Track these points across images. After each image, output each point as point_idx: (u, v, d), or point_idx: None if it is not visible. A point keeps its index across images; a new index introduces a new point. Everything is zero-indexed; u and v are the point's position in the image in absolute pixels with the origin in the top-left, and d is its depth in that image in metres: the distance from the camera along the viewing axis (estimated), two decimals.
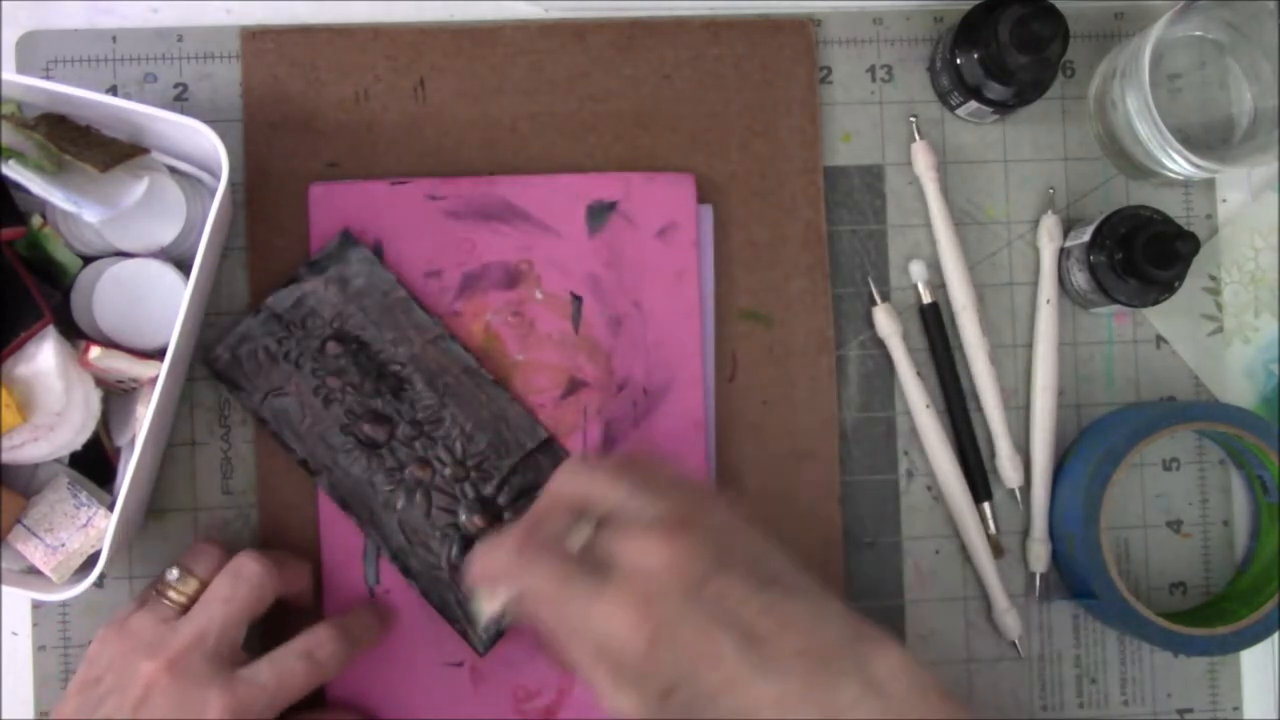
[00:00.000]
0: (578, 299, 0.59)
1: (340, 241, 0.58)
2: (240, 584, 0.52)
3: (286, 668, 0.51)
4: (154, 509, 0.58)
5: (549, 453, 0.58)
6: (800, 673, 0.45)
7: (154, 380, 0.50)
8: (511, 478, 0.57)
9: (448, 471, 0.57)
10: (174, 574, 0.53)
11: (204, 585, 0.53)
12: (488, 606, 0.52)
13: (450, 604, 0.57)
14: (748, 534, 0.48)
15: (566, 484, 0.50)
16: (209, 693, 0.50)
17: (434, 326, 0.58)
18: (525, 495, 0.57)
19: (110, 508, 0.52)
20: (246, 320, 0.57)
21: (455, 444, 0.57)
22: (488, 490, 0.57)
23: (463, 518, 0.57)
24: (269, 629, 0.55)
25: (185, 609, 0.52)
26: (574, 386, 0.59)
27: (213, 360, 0.57)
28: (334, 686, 0.57)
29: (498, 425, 0.58)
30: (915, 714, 0.46)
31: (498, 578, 0.50)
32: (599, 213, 0.59)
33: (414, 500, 0.57)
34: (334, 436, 0.57)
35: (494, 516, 0.57)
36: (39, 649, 0.58)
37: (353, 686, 0.57)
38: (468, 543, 0.57)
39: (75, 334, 0.54)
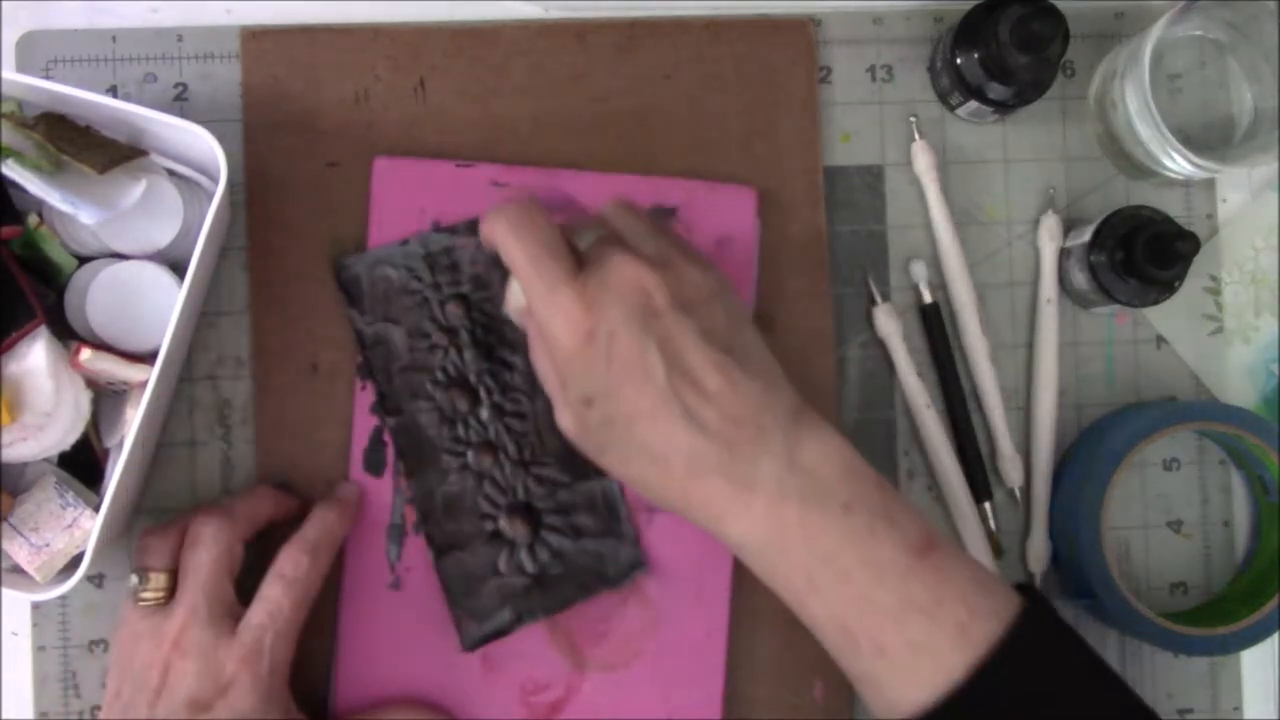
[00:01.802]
0: None
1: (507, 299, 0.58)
2: (203, 550, 0.52)
3: (271, 599, 0.52)
4: (154, 509, 0.58)
5: (607, 487, 0.58)
6: (726, 436, 0.46)
7: (144, 383, 0.50)
8: (562, 497, 0.58)
9: (508, 469, 0.57)
10: (134, 580, 0.53)
11: (171, 572, 0.53)
12: (511, 301, 0.54)
13: (456, 587, 0.57)
14: (729, 307, 0.49)
15: (602, 210, 0.52)
16: (218, 654, 0.50)
17: None
18: (568, 520, 0.57)
19: (97, 509, 0.52)
20: (392, 245, 0.58)
21: (527, 445, 0.58)
22: (539, 501, 0.57)
23: (503, 520, 0.57)
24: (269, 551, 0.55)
25: (169, 596, 0.52)
26: None
27: (341, 268, 0.58)
28: (345, 669, 0.57)
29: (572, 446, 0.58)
30: (842, 495, 0.46)
31: (494, 239, 0.50)
32: (659, 217, 0.59)
33: (465, 478, 0.57)
34: (421, 387, 0.57)
35: (534, 528, 0.57)
36: (39, 649, 0.58)
37: (365, 672, 0.57)
38: (495, 535, 0.57)
39: (68, 334, 0.54)
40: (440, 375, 0.58)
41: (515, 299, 0.54)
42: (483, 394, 0.58)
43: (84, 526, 0.53)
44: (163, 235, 0.54)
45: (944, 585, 0.46)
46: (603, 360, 0.47)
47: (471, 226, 0.58)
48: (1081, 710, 0.46)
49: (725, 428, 0.46)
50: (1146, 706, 0.47)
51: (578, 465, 0.57)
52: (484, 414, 0.58)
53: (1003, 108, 0.60)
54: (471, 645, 0.57)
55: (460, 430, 0.58)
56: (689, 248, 0.51)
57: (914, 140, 0.62)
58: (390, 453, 0.58)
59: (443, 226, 0.58)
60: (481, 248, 0.56)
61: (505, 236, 0.49)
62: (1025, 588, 0.48)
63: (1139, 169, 0.61)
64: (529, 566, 0.57)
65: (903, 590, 0.45)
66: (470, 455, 0.58)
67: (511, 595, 0.57)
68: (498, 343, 0.58)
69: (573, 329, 0.47)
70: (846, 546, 0.46)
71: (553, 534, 0.57)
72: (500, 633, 0.57)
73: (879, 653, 0.46)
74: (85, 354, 0.52)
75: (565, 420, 0.50)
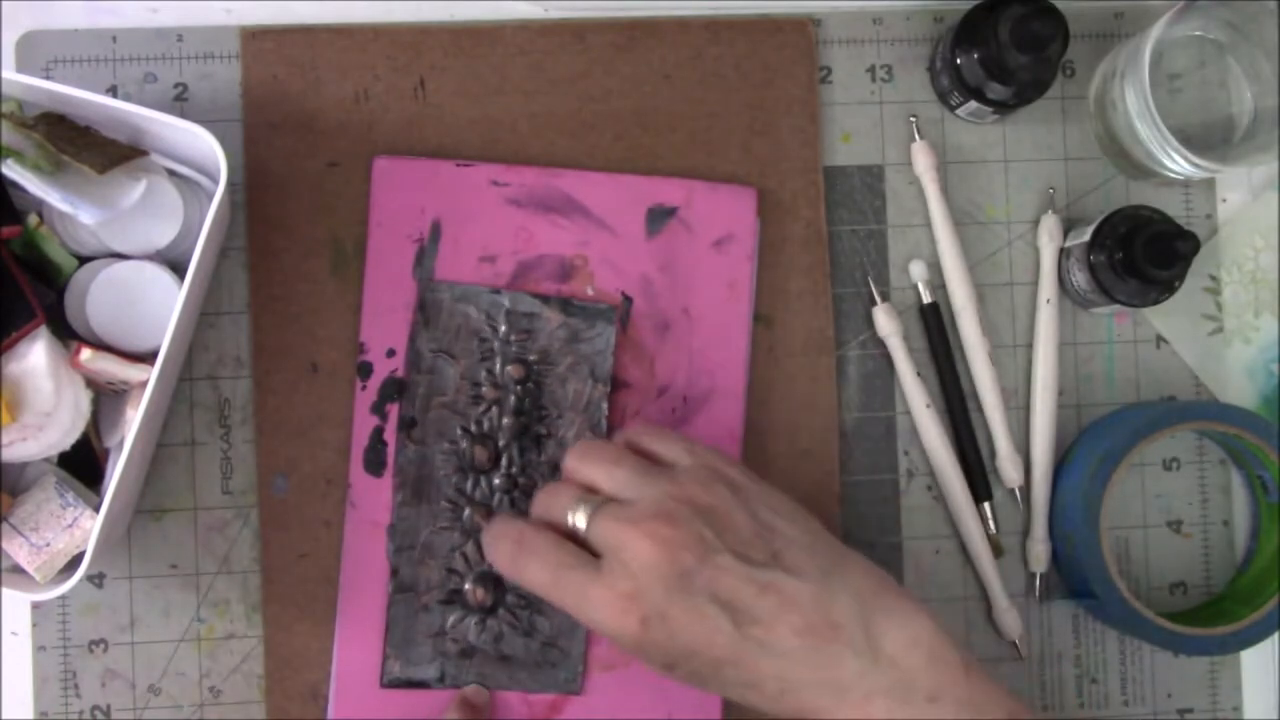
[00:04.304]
0: (628, 299, 0.59)
1: (602, 313, 0.58)
2: None
3: None
4: (154, 509, 0.58)
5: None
6: (800, 651, 0.46)
7: (144, 383, 0.50)
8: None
9: None
10: None
11: None
12: None
13: (398, 627, 0.57)
14: (753, 506, 0.49)
15: (574, 467, 0.51)
16: None
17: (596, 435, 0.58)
18: (528, 615, 0.58)
19: (97, 509, 0.52)
20: (482, 288, 0.58)
21: None
22: (509, 582, 0.57)
23: (469, 583, 0.57)
24: None
25: None
26: (616, 387, 0.59)
27: (428, 287, 0.58)
28: (345, 669, 0.57)
29: None
30: (926, 687, 0.46)
31: (500, 571, 0.51)
32: (659, 216, 0.59)
33: (453, 532, 0.57)
34: (450, 428, 0.57)
35: (494, 603, 0.57)
36: (39, 649, 0.58)
37: (365, 671, 0.57)
38: (455, 594, 0.57)
39: (68, 334, 0.54)
40: (474, 426, 0.58)
41: None
42: (504, 461, 0.58)
43: (84, 526, 0.53)
44: (163, 235, 0.54)
45: None
46: (666, 638, 0.47)
47: (562, 302, 0.58)
48: None
49: (797, 643, 0.46)
50: None
51: None
52: (496, 479, 0.58)
53: (1003, 108, 0.60)
54: (389, 684, 0.57)
55: (468, 485, 0.58)
56: (684, 451, 0.51)
57: (914, 140, 0.62)
58: (390, 453, 0.58)
59: (535, 293, 0.58)
60: (561, 326, 0.58)
61: (514, 569, 0.50)
62: None
63: (1139, 169, 0.61)
64: (472, 637, 0.57)
65: None
66: (467, 512, 0.58)
67: (446, 656, 0.57)
68: (537, 421, 0.58)
69: (625, 622, 0.47)
70: None
71: (508, 619, 0.58)
72: (421, 685, 0.57)
73: None
74: (85, 354, 0.52)
75: (652, 670, 0.50)
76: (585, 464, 0.51)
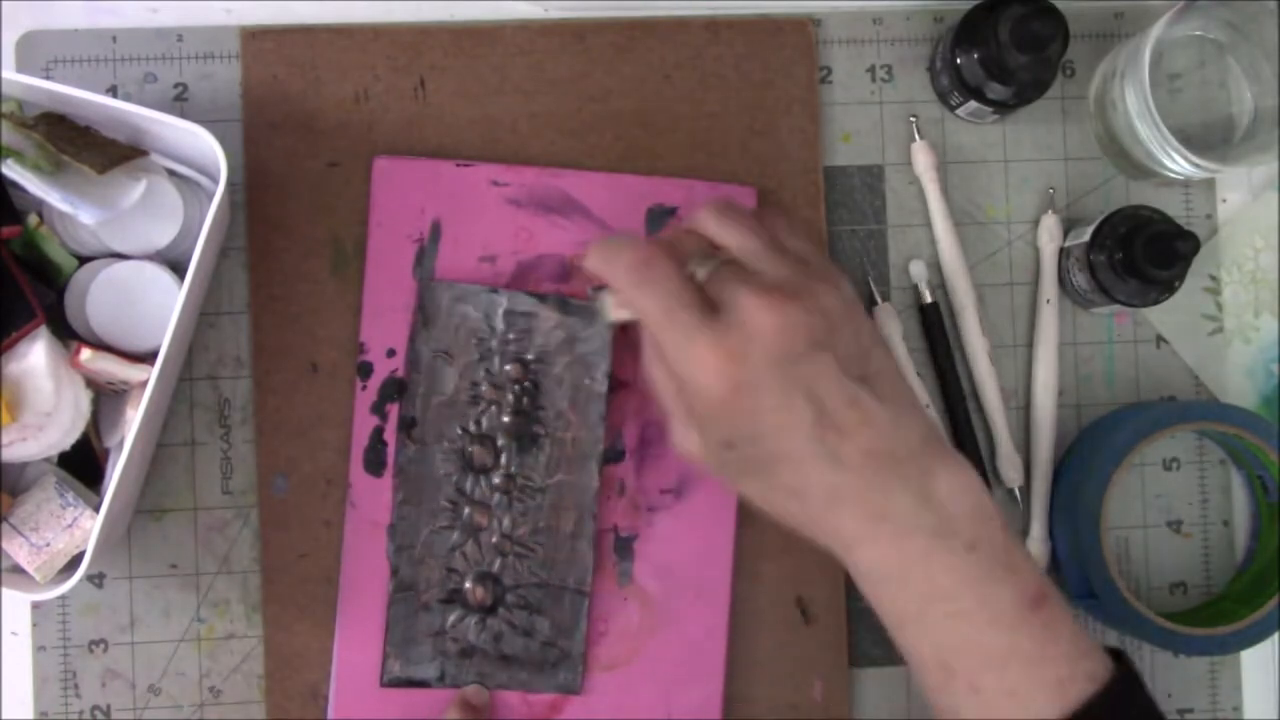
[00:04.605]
0: None
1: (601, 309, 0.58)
2: None
3: None
4: (154, 509, 0.58)
5: (576, 601, 0.58)
6: (862, 470, 0.47)
7: (144, 383, 0.50)
8: (532, 592, 0.58)
9: (494, 538, 0.58)
10: None
11: None
12: (614, 314, 0.53)
13: (398, 626, 0.57)
14: (858, 326, 0.49)
15: (708, 221, 0.50)
16: None
17: (594, 444, 0.58)
18: (527, 615, 0.58)
19: (97, 509, 0.52)
20: (481, 287, 0.58)
21: (521, 524, 0.58)
22: (505, 577, 0.58)
23: (469, 582, 0.57)
24: None
25: None
26: (614, 386, 0.59)
27: (427, 287, 0.58)
28: (345, 669, 0.57)
29: (561, 541, 0.58)
30: (968, 534, 0.46)
31: (610, 283, 0.50)
32: (659, 217, 0.59)
33: (451, 530, 0.57)
34: (450, 427, 0.57)
35: (494, 602, 0.57)
36: (39, 649, 0.58)
37: (365, 671, 0.57)
38: (455, 593, 0.57)
39: (68, 334, 0.54)
40: (473, 426, 0.58)
41: (609, 310, 0.53)
42: (503, 460, 0.58)
43: (84, 526, 0.53)
44: (163, 235, 0.54)
45: (1050, 640, 0.46)
46: (748, 411, 0.47)
47: (560, 301, 0.58)
48: None
49: (862, 461, 0.47)
50: None
51: (558, 569, 0.58)
52: (496, 479, 0.58)
53: (1003, 108, 0.60)
54: (389, 683, 0.57)
55: (468, 484, 0.58)
56: (809, 253, 0.51)
57: (914, 140, 0.62)
58: (390, 453, 0.58)
59: (533, 292, 0.58)
60: (559, 326, 0.57)
61: (629, 285, 0.48)
62: (1118, 653, 0.48)
63: (1139, 169, 0.61)
64: (472, 636, 0.57)
65: (1010, 638, 0.46)
66: (467, 511, 0.58)
67: (446, 655, 0.57)
68: (536, 420, 0.58)
69: (718, 381, 0.46)
70: (965, 587, 0.46)
71: (508, 619, 0.58)
72: (421, 684, 0.57)
73: (973, 691, 0.46)
74: (85, 354, 0.52)
75: (699, 454, 0.50)
76: (722, 224, 0.50)
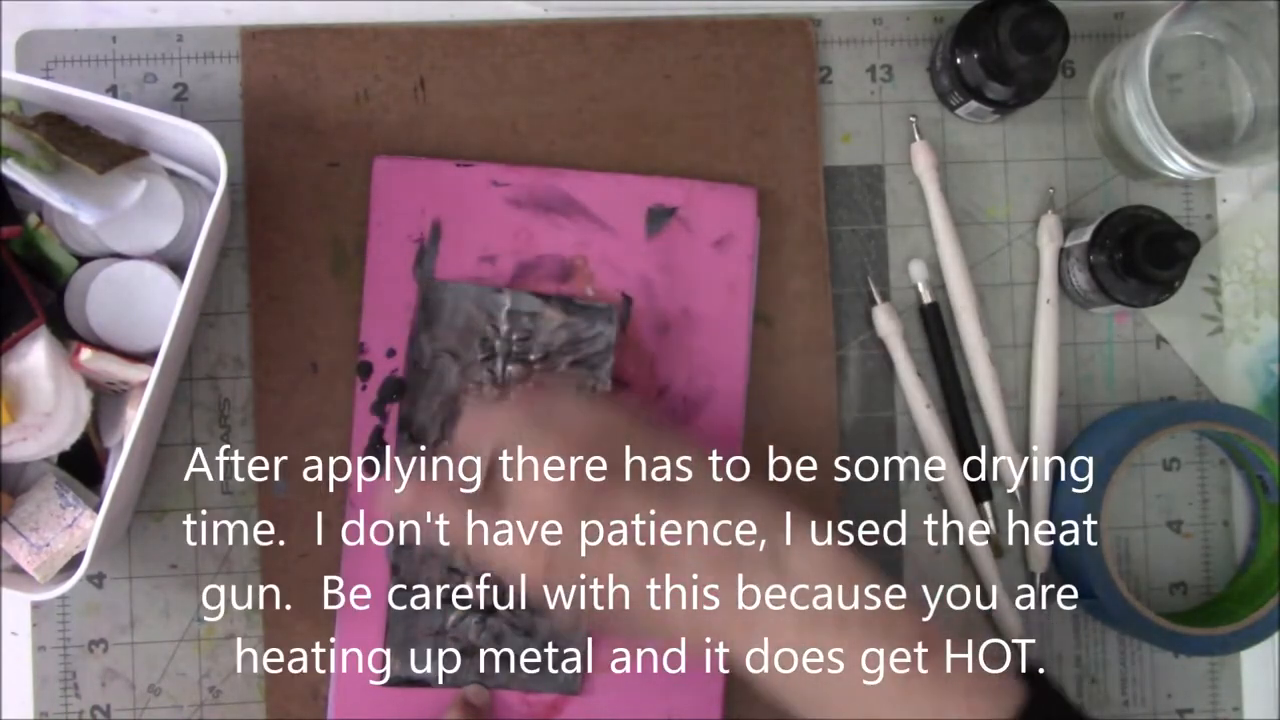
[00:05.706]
0: (628, 299, 0.59)
1: (602, 313, 0.58)
2: None
3: None
4: (154, 509, 0.58)
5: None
6: (705, 574, 0.46)
7: (144, 383, 0.50)
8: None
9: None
10: None
11: None
12: None
13: (399, 626, 0.57)
14: (645, 442, 0.49)
15: (471, 425, 0.52)
16: None
17: None
18: (528, 616, 0.57)
19: (97, 509, 0.52)
20: (485, 287, 0.58)
21: None
22: (501, 606, 0.57)
23: (469, 582, 0.57)
24: None
25: None
26: (615, 386, 0.59)
27: (430, 286, 0.58)
28: (345, 669, 0.57)
29: None
30: (833, 615, 0.46)
31: (400, 513, 0.51)
32: (659, 216, 0.59)
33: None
34: (451, 427, 0.57)
35: (496, 598, 0.57)
36: (39, 649, 0.58)
37: (365, 671, 0.57)
38: (454, 594, 0.57)
39: (68, 334, 0.54)
40: None
41: None
42: None
43: (84, 526, 0.53)
44: (163, 235, 0.54)
45: (943, 691, 0.45)
46: (571, 575, 0.47)
47: (563, 301, 0.58)
48: None
49: (700, 566, 0.46)
50: None
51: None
52: None
53: (1003, 108, 0.60)
54: (391, 682, 0.57)
55: None
56: (564, 394, 0.52)
57: (914, 140, 0.62)
58: (390, 453, 0.58)
59: (537, 293, 0.58)
60: (563, 326, 0.57)
61: (413, 510, 0.49)
62: (1035, 674, 0.47)
63: (1139, 169, 0.61)
64: (472, 636, 0.57)
65: (905, 701, 0.45)
66: None
67: (446, 655, 0.57)
68: None
69: (531, 564, 0.47)
70: (845, 665, 0.46)
71: (508, 619, 0.57)
72: (421, 684, 0.57)
73: None
74: (85, 354, 0.52)
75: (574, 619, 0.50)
76: (481, 421, 0.51)
